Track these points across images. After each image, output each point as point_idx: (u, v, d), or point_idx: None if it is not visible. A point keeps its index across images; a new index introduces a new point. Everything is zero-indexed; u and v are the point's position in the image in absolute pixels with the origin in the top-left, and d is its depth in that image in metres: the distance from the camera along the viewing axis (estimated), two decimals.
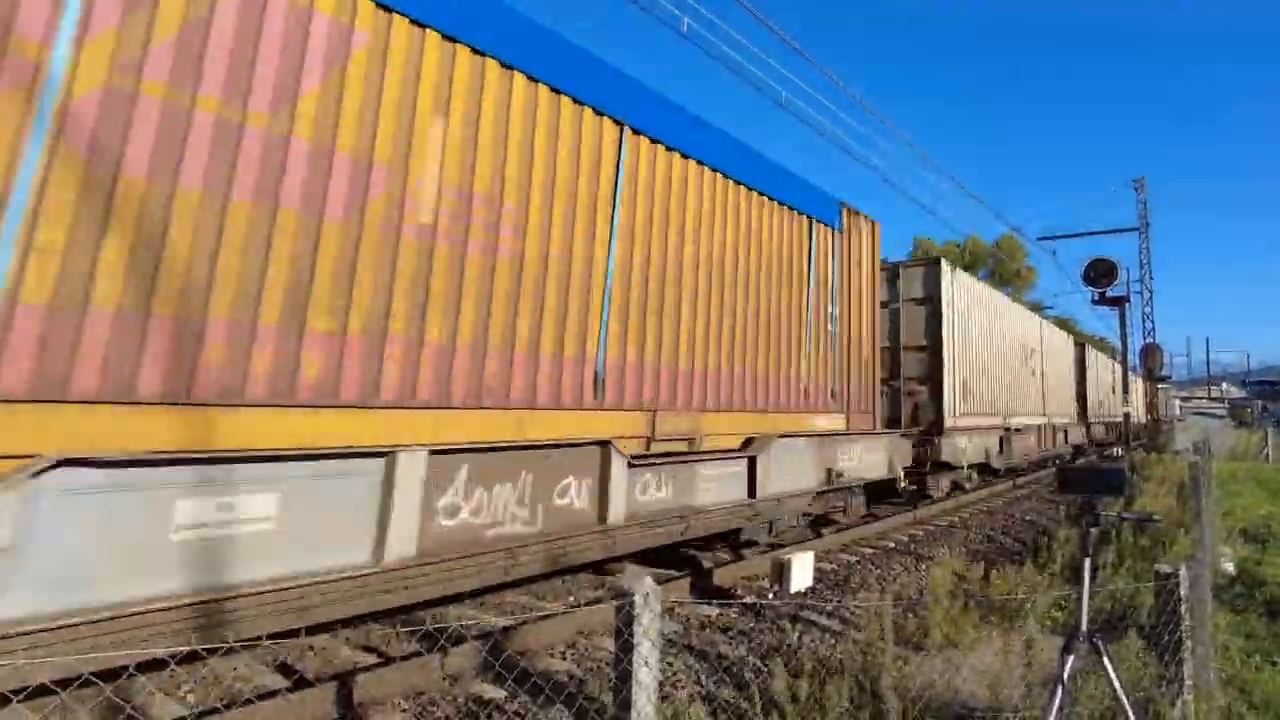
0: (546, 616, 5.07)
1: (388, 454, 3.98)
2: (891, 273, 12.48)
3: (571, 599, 6.16)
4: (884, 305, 11.95)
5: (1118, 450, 24.28)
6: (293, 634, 3.87)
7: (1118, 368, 26.39)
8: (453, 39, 4.83)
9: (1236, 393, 76.97)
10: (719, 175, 7.24)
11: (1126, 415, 22.12)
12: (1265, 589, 6.66)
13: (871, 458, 9.31)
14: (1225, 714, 4.11)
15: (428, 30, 4.69)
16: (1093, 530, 2.80)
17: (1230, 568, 7.56)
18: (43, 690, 2.89)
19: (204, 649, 2.87)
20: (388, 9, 4.49)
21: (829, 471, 8.25)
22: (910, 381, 12.30)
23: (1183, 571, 3.83)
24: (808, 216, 8.64)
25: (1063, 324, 31.70)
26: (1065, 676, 2.71)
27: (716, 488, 6.57)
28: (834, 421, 8.85)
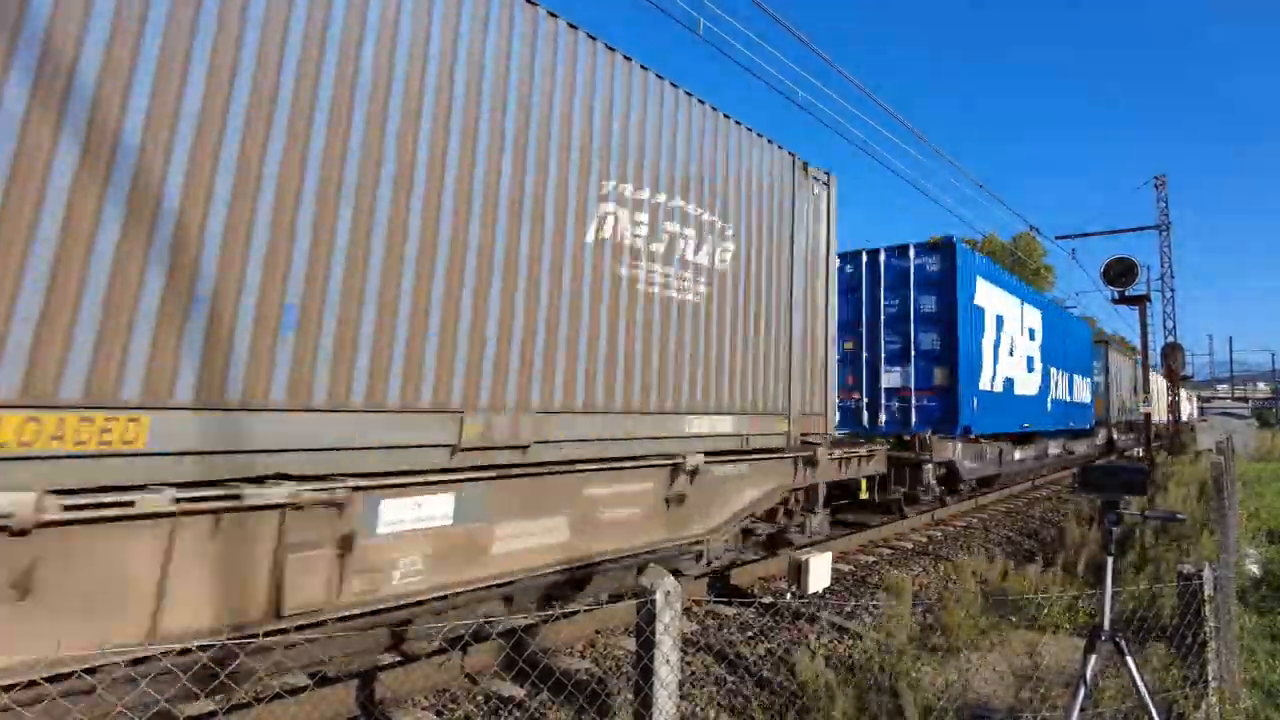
0: (567, 614, 5.11)
1: None
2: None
3: (591, 598, 6.19)
4: None
5: (1138, 451, 23.98)
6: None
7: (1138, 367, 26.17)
8: None
9: (1261, 392, 75.73)
10: None
11: (1147, 416, 21.84)
12: None
13: None
14: (1250, 716, 4.06)
15: None
16: (1114, 529, 2.80)
17: (1255, 569, 7.46)
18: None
19: (233, 643, 2.93)
20: None
21: None
22: None
23: (1206, 572, 3.80)
24: None
25: (1085, 324, 31.32)
26: (1088, 676, 2.70)
27: None
28: None
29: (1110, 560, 2.81)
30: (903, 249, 11.55)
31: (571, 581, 5.12)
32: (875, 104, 11.92)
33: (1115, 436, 23.56)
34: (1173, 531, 8.18)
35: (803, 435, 7.49)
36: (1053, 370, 15.68)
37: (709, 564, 6.33)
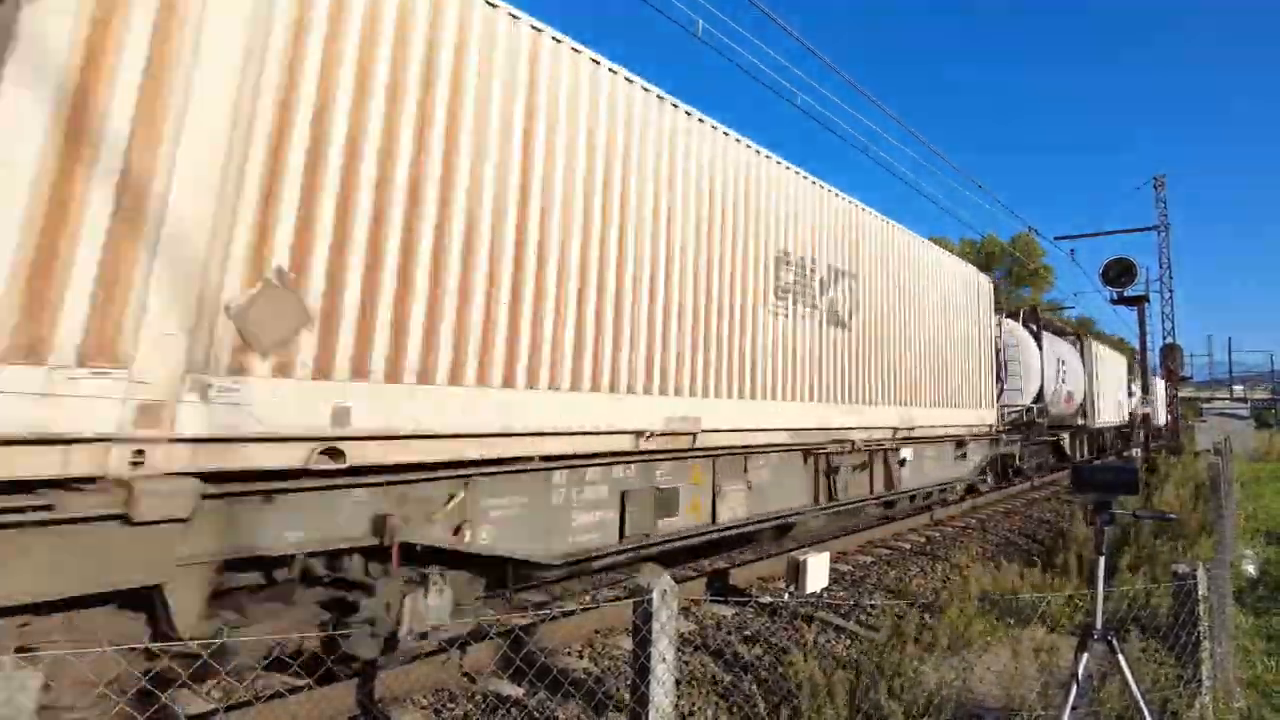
0: (565, 614, 5.13)
1: None
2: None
3: (589, 598, 6.22)
4: None
5: (1135, 451, 24.03)
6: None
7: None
8: None
9: (1261, 393, 75.80)
10: None
11: (1146, 416, 21.89)
12: None
13: None
14: (1245, 716, 4.09)
15: None
16: (1106, 529, 2.82)
17: (1252, 569, 7.49)
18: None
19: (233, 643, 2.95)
20: None
21: None
22: None
23: (1200, 572, 3.83)
24: None
25: (1084, 324, 31.43)
26: (1080, 675, 2.73)
27: None
28: None
29: (1102, 560, 2.84)
30: None
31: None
32: (874, 105, 11.96)
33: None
34: (1171, 532, 8.20)
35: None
36: None
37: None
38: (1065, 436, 18.65)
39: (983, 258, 45.33)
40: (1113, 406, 22.85)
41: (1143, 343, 23.91)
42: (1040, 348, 15.51)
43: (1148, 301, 24.33)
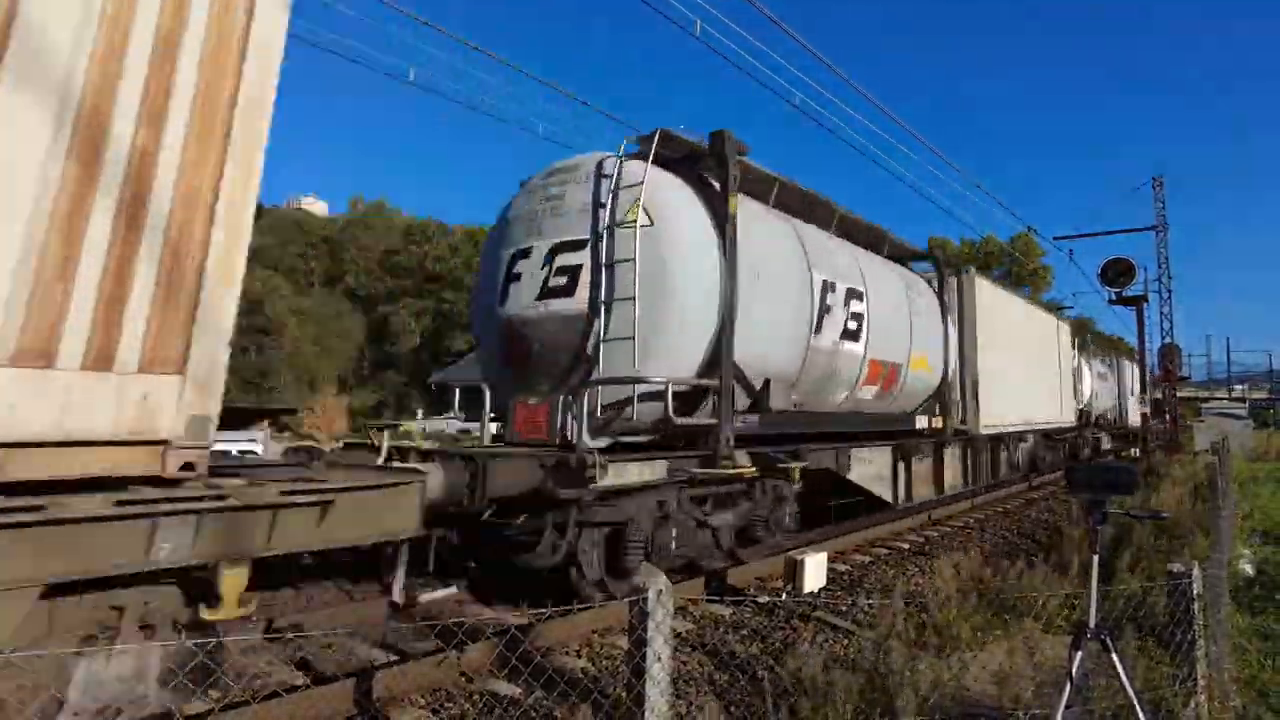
0: (562, 613, 5.13)
1: None
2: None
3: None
4: None
5: (1135, 451, 24.05)
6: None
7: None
8: None
9: (1259, 394, 75.89)
10: None
11: (1144, 416, 21.93)
12: None
13: None
14: (1240, 715, 4.10)
15: None
16: (1100, 529, 2.83)
17: (1249, 569, 7.51)
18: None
19: (229, 642, 2.96)
20: None
21: None
22: None
23: (1195, 571, 3.85)
24: None
25: (1084, 324, 31.43)
26: (1074, 673, 2.74)
27: None
28: None
29: (1096, 559, 2.85)
30: None
31: None
32: (873, 105, 11.97)
33: None
34: (1170, 531, 8.21)
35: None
36: None
37: None
38: (868, 460, 9.07)
39: (982, 257, 45.37)
40: (1032, 397, 14.69)
41: (1141, 342, 23.96)
42: (722, 233, 6.31)
43: (1146, 301, 24.41)
